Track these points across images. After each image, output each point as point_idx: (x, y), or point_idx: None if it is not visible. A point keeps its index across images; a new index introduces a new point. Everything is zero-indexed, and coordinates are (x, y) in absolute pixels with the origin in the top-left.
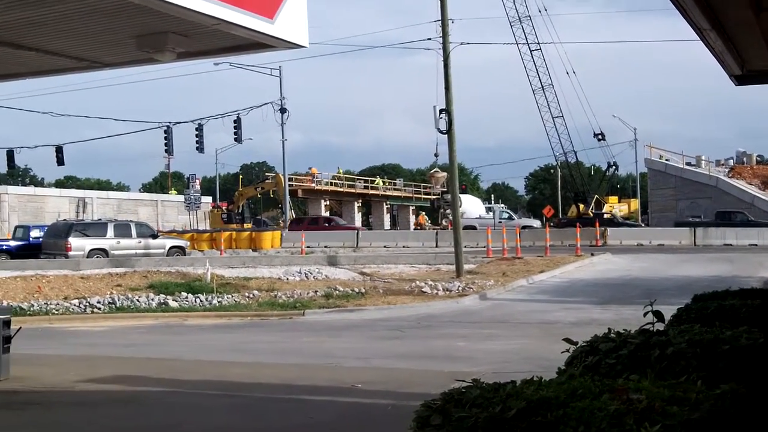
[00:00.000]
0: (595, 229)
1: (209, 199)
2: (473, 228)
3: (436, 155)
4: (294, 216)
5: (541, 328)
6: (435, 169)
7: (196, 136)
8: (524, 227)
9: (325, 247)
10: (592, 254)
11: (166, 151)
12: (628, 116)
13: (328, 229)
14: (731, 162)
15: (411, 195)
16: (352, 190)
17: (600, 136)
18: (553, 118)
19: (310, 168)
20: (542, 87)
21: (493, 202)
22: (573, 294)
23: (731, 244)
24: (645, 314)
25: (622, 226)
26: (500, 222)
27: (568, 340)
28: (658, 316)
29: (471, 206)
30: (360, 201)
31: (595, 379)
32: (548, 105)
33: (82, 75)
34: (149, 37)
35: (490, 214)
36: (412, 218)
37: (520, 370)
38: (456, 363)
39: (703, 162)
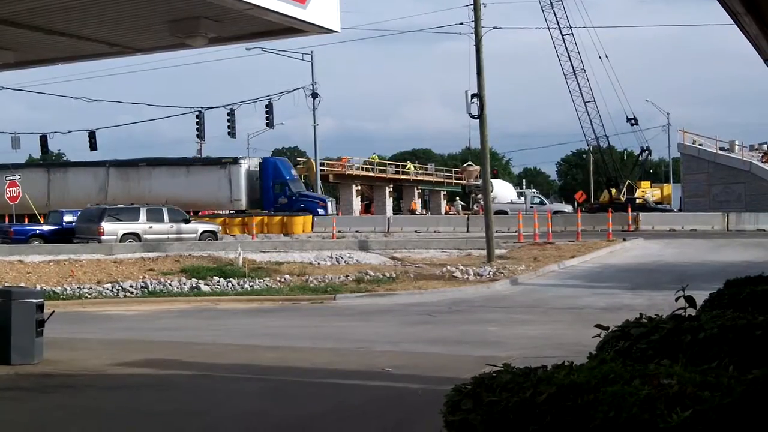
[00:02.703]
0: (628, 214)
1: None
2: (505, 213)
3: (469, 149)
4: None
5: (572, 313)
6: (468, 163)
7: (228, 121)
8: (556, 212)
9: (356, 232)
10: (624, 239)
11: (198, 136)
12: (662, 101)
13: None
14: (765, 147)
15: (442, 180)
16: (384, 175)
17: (633, 121)
18: (584, 102)
19: (339, 158)
20: (574, 71)
21: (524, 187)
22: (604, 279)
23: (764, 229)
24: (677, 299)
25: (654, 211)
26: (532, 207)
27: (599, 326)
28: (690, 301)
29: (503, 191)
30: (391, 186)
31: (626, 364)
32: (580, 90)
33: (116, 60)
34: (182, 22)
35: (522, 199)
36: (444, 203)
37: (551, 355)
38: (487, 348)
39: (736, 147)
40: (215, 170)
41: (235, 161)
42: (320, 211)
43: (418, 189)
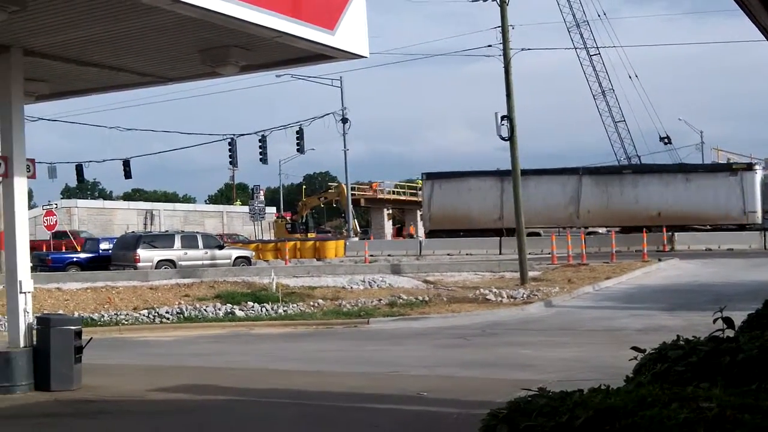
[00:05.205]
0: (662, 234)
1: (273, 209)
2: (537, 235)
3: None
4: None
5: (608, 335)
6: None
7: (260, 147)
8: (589, 233)
9: (389, 255)
10: (660, 260)
11: (230, 162)
12: (695, 119)
13: None
14: None
15: None
16: (415, 198)
17: (666, 140)
18: (615, 122)
19: (370, 182)
20: (603, 92)
21: None
22: (640, 300)
23: None
24: (714, 320)
25: (690, 230)
26: (565, 228)
27: (636, 348)
28: (728, 322)
29: None
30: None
31: (664, 387)
32: (609, 110)
33: (149, 89)
34: (212, 51)
35: None
36: None
37: (586, 378)
38: (521, 371)
39: None
40: (722, 178)
41: (749, 167)
42: None
43: None
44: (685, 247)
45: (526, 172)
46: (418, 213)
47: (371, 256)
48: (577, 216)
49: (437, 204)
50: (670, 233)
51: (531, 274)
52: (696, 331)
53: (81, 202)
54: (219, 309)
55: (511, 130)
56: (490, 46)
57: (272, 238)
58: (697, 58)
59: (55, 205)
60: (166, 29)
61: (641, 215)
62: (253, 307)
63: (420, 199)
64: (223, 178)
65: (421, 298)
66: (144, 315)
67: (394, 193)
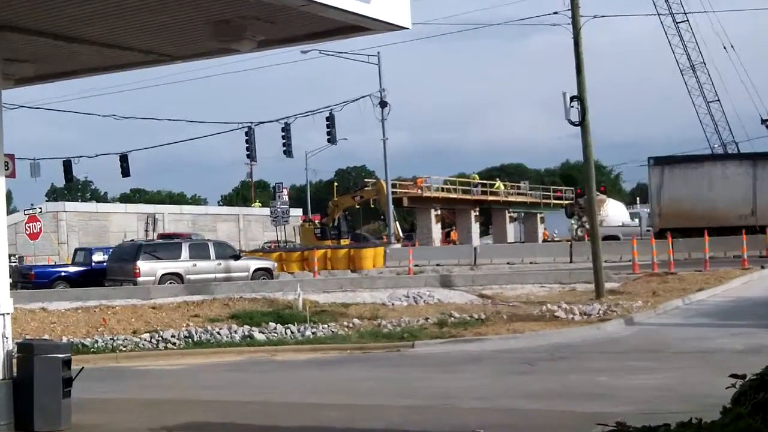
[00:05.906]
0: (765, 237)
1: (299, 211)
2: (616, 238)
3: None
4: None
5: (700, 358)
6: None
7: (283, 137)
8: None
9: (437, 265)
10: (762, 267)
11: (248, 156)
12: None
13: None
14: None
15: (538, 200)
16: (468, 197)
17: None
18: (706, 102)
19: (414, 178)
20: (692, 66)
21: (638, 205)
22: (739, 316)
23: None
24: None
25: None
26: (648, 230)
27: (734, 375)
28: None
29: (612, 212)
30: (477, 209)
31: (766, 419)
32: (700, 87)
33: (151, 70)
34: (226, 24)
35: (636, 220)
36: (541, 228)
37: (674, 410)
38: (597, 402)
39: None
40: None
41: None
42: None
43: (509, 212)
44: None
45: (764, 156)
46: (473, 214)
47: (416, 266)
48: None
49: (668, 196)
50: None
51: (608, 285)
52: None
53: (69, 206)
54: (235, 332)
55: (583, 112)
56: (556, 13)
57: (297, 246)
58: None
59: (39, 210)
60: None
61: None
62: (275, 328)
63: (473, 198)
64: (239, 176)
65: (476, 315)
66: (145, 340)
67: (443, 190)
